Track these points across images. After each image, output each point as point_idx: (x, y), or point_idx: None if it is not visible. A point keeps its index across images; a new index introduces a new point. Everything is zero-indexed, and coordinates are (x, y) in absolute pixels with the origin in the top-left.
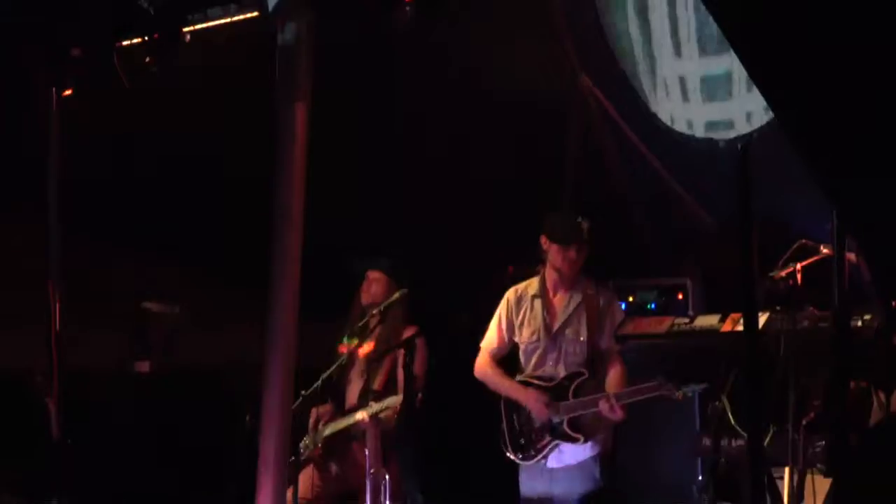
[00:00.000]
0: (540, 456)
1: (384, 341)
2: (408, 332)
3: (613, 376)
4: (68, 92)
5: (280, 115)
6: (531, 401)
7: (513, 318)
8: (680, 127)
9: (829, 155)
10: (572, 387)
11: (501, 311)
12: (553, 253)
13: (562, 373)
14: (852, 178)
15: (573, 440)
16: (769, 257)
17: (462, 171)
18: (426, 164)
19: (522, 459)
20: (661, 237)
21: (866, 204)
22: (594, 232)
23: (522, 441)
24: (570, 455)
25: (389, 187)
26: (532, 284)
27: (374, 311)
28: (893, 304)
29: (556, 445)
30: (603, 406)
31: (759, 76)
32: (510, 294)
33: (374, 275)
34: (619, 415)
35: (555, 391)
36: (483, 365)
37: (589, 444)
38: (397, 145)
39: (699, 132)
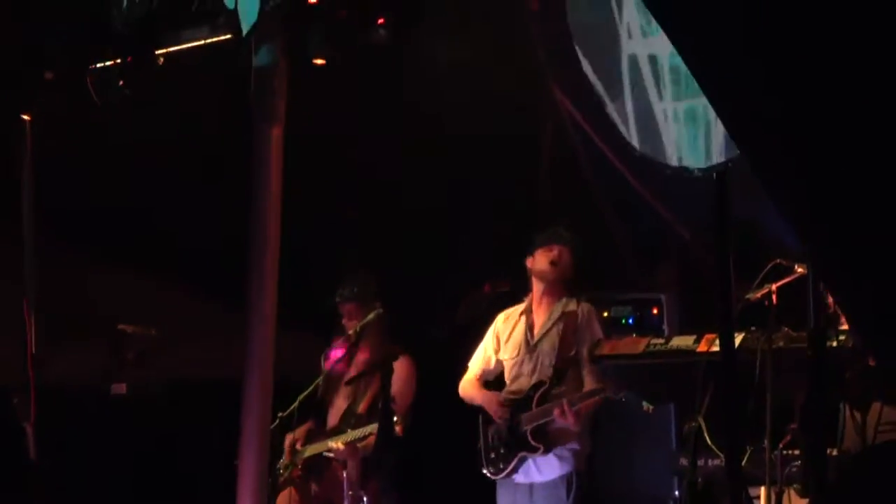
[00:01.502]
0: (509, 469)
1: (363, 363)
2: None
3: (587, 388)
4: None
5: (255, 136)
6: (487, 403)
7: (500, 338)
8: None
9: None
10: (536, 396)
11: (490, 333)
12: (538, 259)
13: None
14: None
15: (534, 450)
16: (745, 274)
17: (438, 187)
18: (402, 179)
19: (493, 474)
20: (636, 251)
21: (836, 251)
22: (578, 240)
23: (493, 455)
24: (536, 472)
25: (362, 203)
26: (520, 306)
27: (349, 333)
28: (870, 362)
29: (524, 459)
30: (556, 412)
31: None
32: (500, 317)
33: (345, 307)
34: (571, 421)
35: (522, 403)
36: (464, 382)
37: (557, 461)
38: (371, 160)
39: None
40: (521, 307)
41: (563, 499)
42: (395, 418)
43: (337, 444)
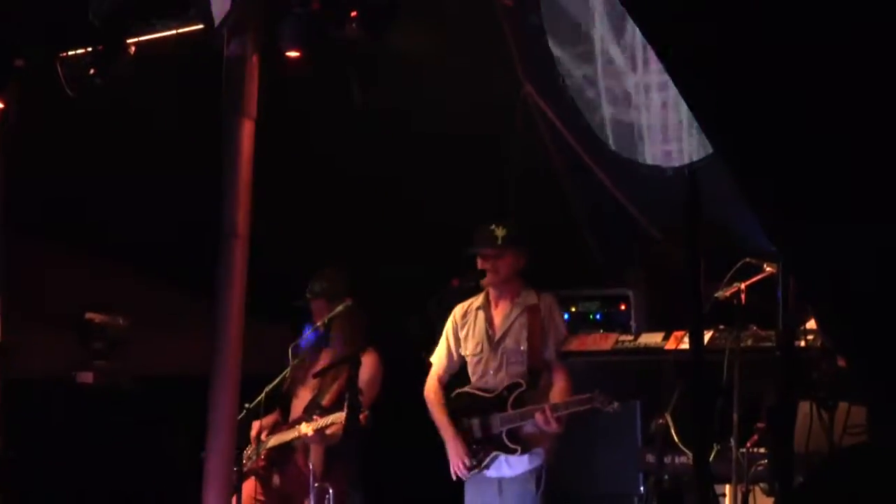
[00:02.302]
0: (481, 467)
1: (331, 356)
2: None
3: (557, 389)
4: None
5: (226, 128)
6: (451, 451)
7: (458, 333)
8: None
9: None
10: (511, 398)
11: (448, 328)
12: (479, 262)
13: (503, 383)
14: (793, 222)
15: (511, 451)
16: (714, 272)
17: (406, 182)
18: (374, 174)
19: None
20: (604, 247)
21: (807, 250)
22: (519, 238)
23: None
24: (507, 467)
25: (334, 197)
26: (478, 299)
27: (317, 325)
28: (839, 361)
29: (496, 457)
30: (539, 418)
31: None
32: (456, 310)
33: (315, 304)
34: (554, 427)
35: (495, 402)
36: (429, 390)
37: (527, 456)
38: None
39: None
40: (477, 301)
41: (533, 492)
42: (364, 412)
43: (308, 429)
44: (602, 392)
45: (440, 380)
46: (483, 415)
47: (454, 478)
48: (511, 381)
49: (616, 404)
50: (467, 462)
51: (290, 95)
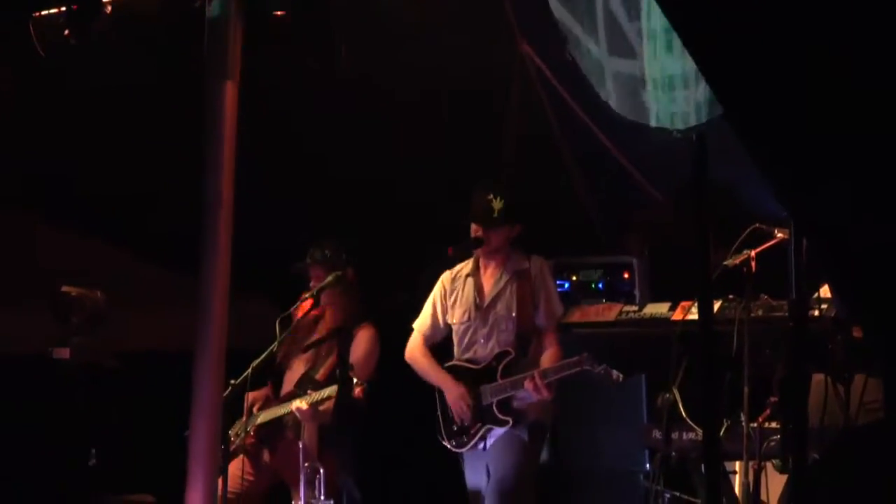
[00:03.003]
0: (472, 442)
1: (325, 328)
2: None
3: (547, 355)
4: None
5: (208, 91)
6: (451, 395)
7: (446, 300)
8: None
9: (782, 160)
10: (500, 367)
11: (436, 292)
12: (473, 229)
13: (493, 352)
14: (804, 180)
15: (502, 423)
16: (723, 239)
17: (400, 149)
18: (365, 142)
19: (456, 447)
20: (606, 213)
21: (819, 207)
22: (516, 210)
23: (455, 427)
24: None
25: (325, 167)
26: (467, 265)
27: (305, 296)
28: (854, 332)
29: (489, 430)
30: (528, 385)
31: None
32: (445, 276)
33: (314, 270)
34: (545, 394)
35: (484, 373)
36: (413, 349)
37: (521, 428)
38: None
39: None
40: (466, 268)
41: (524, 440)
42: (354, 385)
43: (301, 403)
44: (591, 355)
45: (423, 342)
46: (473, 387)
47: (459, 421)
48: (500, 349)
49: (619, 376)
50: (471, 402)
51: (273, 59)
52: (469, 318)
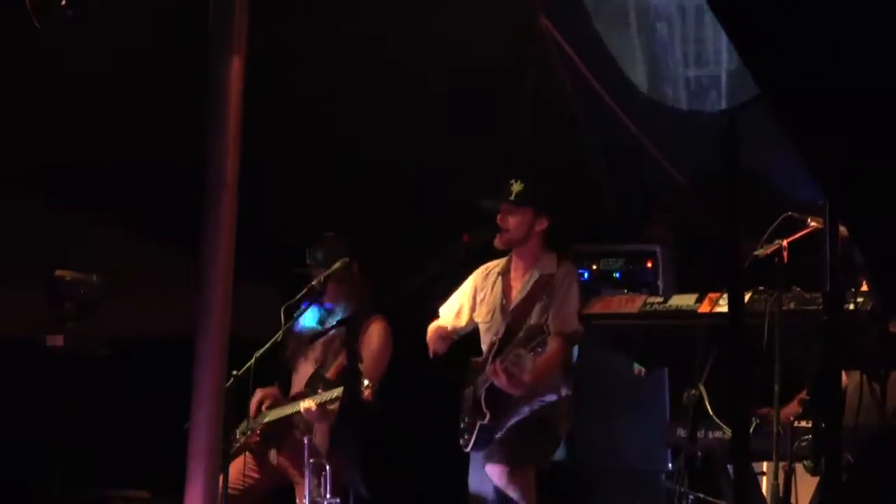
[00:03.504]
0: (472, 441)
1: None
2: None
3: (545, 355)
4: None
5: (213, 67)
6: (431, 336)
7: (476, 296)
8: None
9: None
10: (490, 357)
11: (467, 286)
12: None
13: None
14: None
15: (482, 416)
16: (753, 227)
17: (412, 132)
18: (375, 126)
19: (463, 445)
20: (628, 198)
21: (858, 189)
22: (537, 196)
23: (462, 425)
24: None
25: (331, 144)
26: (500, 263)
27: (312, 284)
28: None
29: (479, 425)
30: (489, 370)
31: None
32: (479, 272)
33: (316, 273)
34: (502, 379)
35: (483, 368)
36: (430, 328)
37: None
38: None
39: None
40: (499, 265)
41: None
42: (364, 382)
43: (310, 403)
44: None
45: (445, 327)
46: (474, 382)
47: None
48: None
49: (641, 371)
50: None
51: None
52: (492, 318)
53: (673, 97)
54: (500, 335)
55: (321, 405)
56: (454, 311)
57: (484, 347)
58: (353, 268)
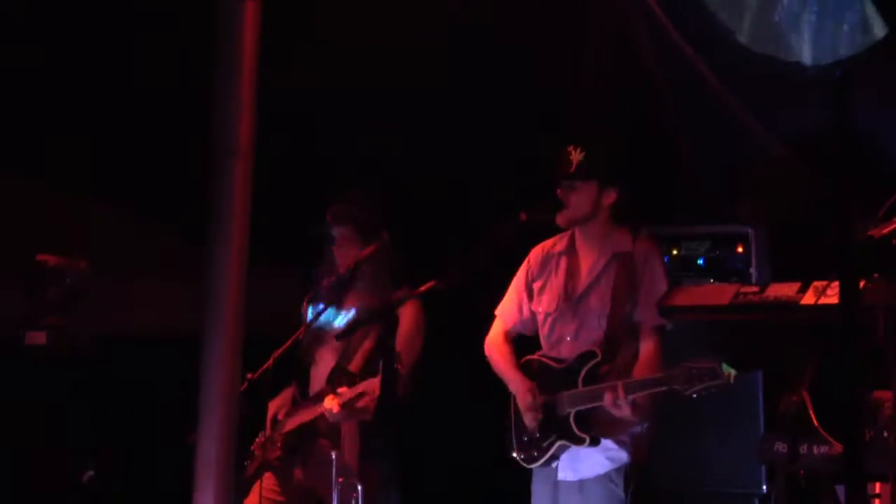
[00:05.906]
0: (545, 458)
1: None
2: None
3: (642, 360)
4: None
5: (222, 10)
6: (520, 393)
7: (531, 284)
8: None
9: None
10: (583, 371)
11: (521, 273)
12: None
13: (579, 351)
14: None
15: (578, 441)
16: (866, 202)
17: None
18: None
19: (525, 461)
20: (715, 172)
21: None
22: (602, 166)
23: (526, 438)
24: (585, 465)
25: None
26: (561, 240)
27: (342, 274)
28: None
29: (563, 448)
30: (608, 398)
31: None
32: (534, 253)
33: (340, 231)
34: (626, 412)
35: (564, 376)
36: (490, 343)
37: (603, 452)
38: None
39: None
40: (560, 244)
41: (621, 496)
42: (402, 379)
43: (332, 403)
44: (691, 369)
45: (507, 334)
46: (550, 392)
47: (531, 431)
48: (586, 349)
49: (732, 375)
50: (532, 396)
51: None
52: (557, 307)
53: (785, 49)
54: (597, 343)
55: (344, 406)
56: (513, 310)
57: (543, 342)
58: (387, 245)
